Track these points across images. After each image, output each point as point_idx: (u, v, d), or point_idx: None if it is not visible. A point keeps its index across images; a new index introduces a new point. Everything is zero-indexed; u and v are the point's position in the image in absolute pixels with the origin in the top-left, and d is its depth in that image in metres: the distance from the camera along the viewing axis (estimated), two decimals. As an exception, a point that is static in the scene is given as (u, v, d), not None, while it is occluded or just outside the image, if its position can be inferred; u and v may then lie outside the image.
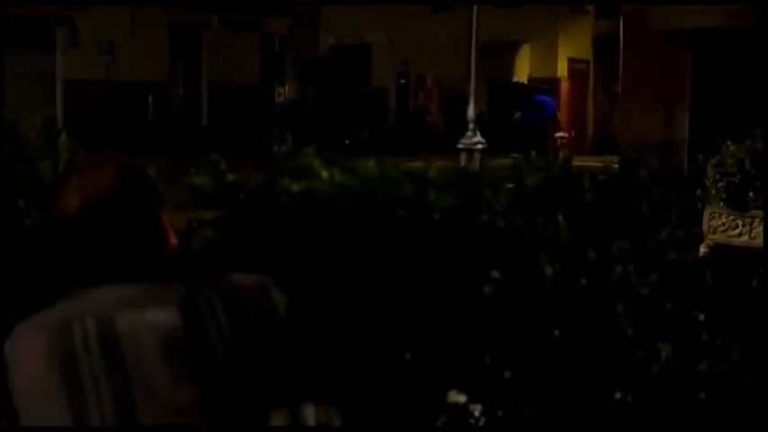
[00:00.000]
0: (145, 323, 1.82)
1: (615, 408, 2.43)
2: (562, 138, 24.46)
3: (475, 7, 16.80)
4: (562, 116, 26.96)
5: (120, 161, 2.08)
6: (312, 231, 2.71)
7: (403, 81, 31.89)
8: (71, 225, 1.92)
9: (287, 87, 34.42)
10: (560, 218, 2.52)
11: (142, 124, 26.69)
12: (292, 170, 2.95)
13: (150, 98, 28.79)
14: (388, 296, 2.71)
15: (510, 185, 2.86)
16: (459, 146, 15.98)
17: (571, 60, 28.97)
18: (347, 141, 23.75)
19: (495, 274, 2.47)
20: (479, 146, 15.89)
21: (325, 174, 2.90)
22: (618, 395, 2.40)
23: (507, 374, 2.46)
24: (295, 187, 2.85)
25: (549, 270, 2.43)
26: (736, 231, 4.60)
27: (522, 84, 28.23)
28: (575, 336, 2.42)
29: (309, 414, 1.87)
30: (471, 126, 16.39)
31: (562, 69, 28.89)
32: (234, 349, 1.83)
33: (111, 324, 1.80)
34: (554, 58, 28.73)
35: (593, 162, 9.41)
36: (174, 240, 2.01)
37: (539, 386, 2.44)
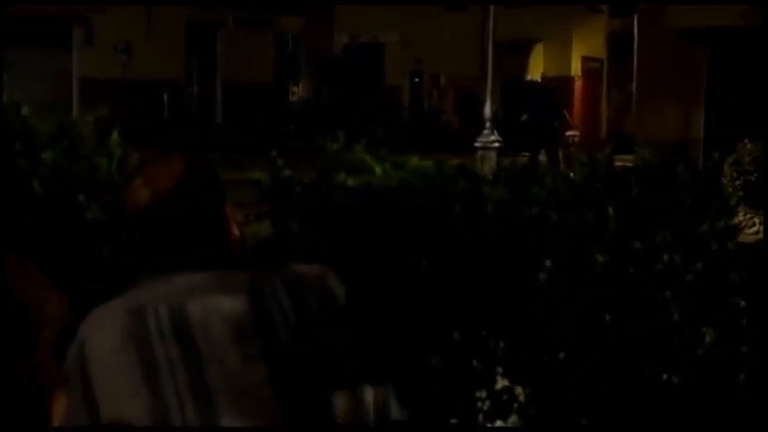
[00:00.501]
0: (214, 309, 1.94)
1: (661, 390, 2.57)
2: (573, 136, 24.50)
3: (492, 7, 16.87)
4: (576, 115, 26.95)
5: (187, 158, 2.22)
6: (370, 224, 2.86)
7: (416, 80, 31.94)
8: (143, 218, 2.06)
9: (301, 86, 34.51)
10: (610, 210, 2.66)
11: (157, 123, 26.82)
12: (347, 165, 3.10)
13: (165, 97, 28.89)
14: (441, 286, 2.85)
15: (556, 180, 3.01)
16: (477, 144, 16.08)
17: (585, 59, 28.97)
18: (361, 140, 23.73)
19: (548, 262, 2.61)
20: (496, 144, 15.98)
21: (379, 169, 3.05)
22: (665, 376, 2.54)
23: (560, 357, 2.59)
24: (350, 182, 3.00)
25: (600, 258, 2.58)
26: (754, 229, 4.69)
27: (536, 83, 28.24)
28: (624, 321, 2.56)
29: (368, 396, 1.99)
30: (488, 125, 16.48)
31: (576, 68, 28.89)
32: (297, 334, 1.96)
33: (183, 310, 1.90)
34: (568, 57, 28.73)
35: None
36: (237, 232, 2.15)
37: (589, 370, 2.58)
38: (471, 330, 2.85)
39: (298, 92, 34.40)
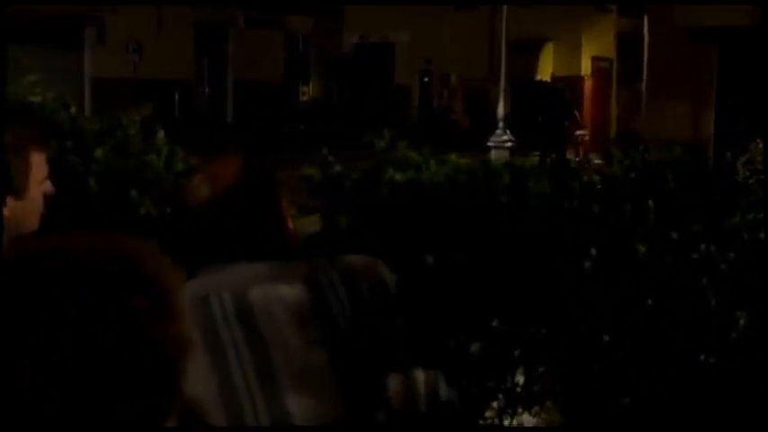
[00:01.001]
0: (275, 297, 2.07)
1: (698, 371, 2.72)
2: (582, 135, 24.57)
3: (505, 7, 16.99)
4: (585, 114, 27.01)
5: (244, 157, 2.36)
6: (419, 217, 3.00)
7: (426, 79, 32.01)
8: (204, 212, 2.20)
9: (311, 86, 34.61)
10: (650, 203, 2.80)
11: (168, 122, 26.84)
12: (395, 162, 3.25)
13: (176, 96, 28.98)
14: (487, 277, 3.00)
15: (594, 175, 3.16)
16: (490, 144, 16.21)
17: (595, 59, 28.99)
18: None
19: (593, 251, 2.76)
20: (509, 144, 16.10)
21: (428, 165, 3.20)
22: (702, 357, 2.69)
23: (604, 340, 2.75)
24: (399, 177, 3.14)
25: (642, 248, 2.73)
26: (767, 228, 4.78)
27: (546, 83, 28.30)
28: (665, 306, 2.71)
29: (420, 378, 2.14)
30: (501, 124, 16.60)
31: (586, 68, 28.92)
32: (353, 320, 2.10)
33: (246, 297, 2.03)
34: (577, 57, 28.75)
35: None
36: (291, 225, 2.29)
37: (630, 353, 2.73)
38: (515, 319, 3.00)
39: (308, 91, 34.48)
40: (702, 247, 2.77)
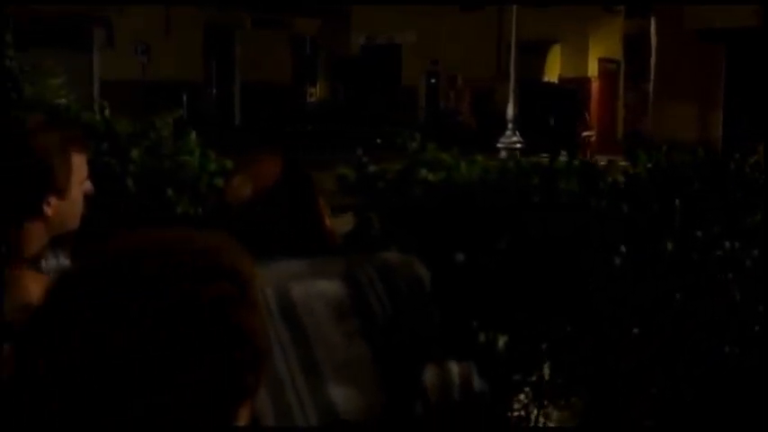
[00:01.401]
0: (315, 292, 2.16)
1: (723, 361, 2.83)
2: (589, 136, 24.64)
3: (515, 8, 17.07)
4: (592, 116, 27.05)
5: (283, 157, 2.47)
6: (454, 216, 3.11)
7: (433, 80, 32.07)
8: (246, 211, 2.31)
9: (317, 87, 34.72)
10: (677, 202, 2.92)
11: (177, 123, 26.91)
12: (427, 162, 3.36)
13: (184, 97, 29.09)
14: (518, 275, 3.11)
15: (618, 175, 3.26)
16: (499, 145, 16.29)
17: (601, 60, 29.04)
18: (378, 141, 23.91)
19: (623, 248, 2.87)
20: (518, 145, 16.19)
21: (461, 165, 3.31)
22: (726, 349, 2.79)
23: (634, 332, 2.86)
24: (432, 177, 3.26)
25: (669, 245, 2.84)
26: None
27: (555, 84, 28.36)
28: (692, 301, 2.82)
29: (454, 370, 2.24)
30: (510, 126, 16.68)
31: (592, 69, 28.96)
32: (390, 314, 2.20)
33: (287, 293, 2.14)
34: (584, 58, 28.80)
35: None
36: (329, 223, 2.40)
37: (659, 346, 2.84)
38: (543, 315, 3.12)
39: (314, 92, 34.58)
40: (727, 244, 2.88)
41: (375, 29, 32.13)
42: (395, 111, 29.67)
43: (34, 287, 2.32)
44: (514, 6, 17.28)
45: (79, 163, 2.71)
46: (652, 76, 23.91)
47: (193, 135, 4.33)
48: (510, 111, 17.02)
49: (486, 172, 3.27)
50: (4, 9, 5.48)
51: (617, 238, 2.95)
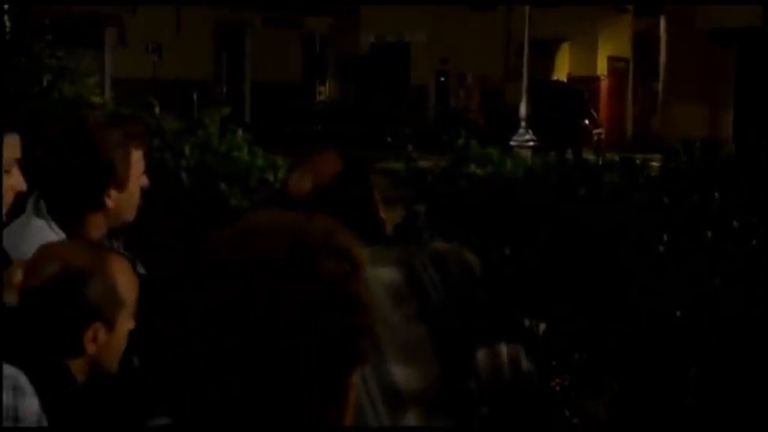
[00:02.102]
0: (374, 278, 2.32)
1: (761, 349, 3.00)
2: (599, 134, 24.76)
3: (527, 8, 17.23)
4: (602, 114, 27.15)
5: (339, 152, 2.63)
6: (503, 208, 3.29)
7: (442, 79, 32.18)
8: (307, 204, 2.47)
9: (327, 85, 34.83)
10: (716, 195, 3.09)
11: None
12: (475, 158, 3.56)
13: (195, 96, 29.19)
14: (563, 262, 3.29)
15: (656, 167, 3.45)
16: (512, 143, 16.43)
17: (611, 59, 29.15)
18: (389, 139, 23.99)
19: (665, 237, 3.05)
20: (531, 143, 16.33)
21: (501, 161, 3.50)
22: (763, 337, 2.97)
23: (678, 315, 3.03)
24: (480, 172, 3.44)
25: (708, 234, 3.02)
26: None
27: (562, 82, 28.46)
28: (730, 287, 2.99)
29: (503, 351, 2.41)
30: (523, 124, 16.83)
31: (602, 68, 29.07)
32: (443, 298, 2.36)
33: None
34: (594, 57, 28.91)
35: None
36: (383, 215, 2.57)
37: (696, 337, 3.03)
38: (587, 304, 3.30)
39: (324, 91, 34.67)
40: (763, 231, 3.05)
41: (385, 27, 32.23)
42: (405, 109, 29.79)
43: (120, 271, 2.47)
44: (527, 7, 17.41)
45: (138, 158, 2.87)
46: (661, 75, 24.01)
47: (240, 132, 4.51)
48: (523, 109, 17.15)
49: (531, 167, 3.45)
50: (39, 10, 5.64)
51: (659, 228, 3.13)
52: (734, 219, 3.01)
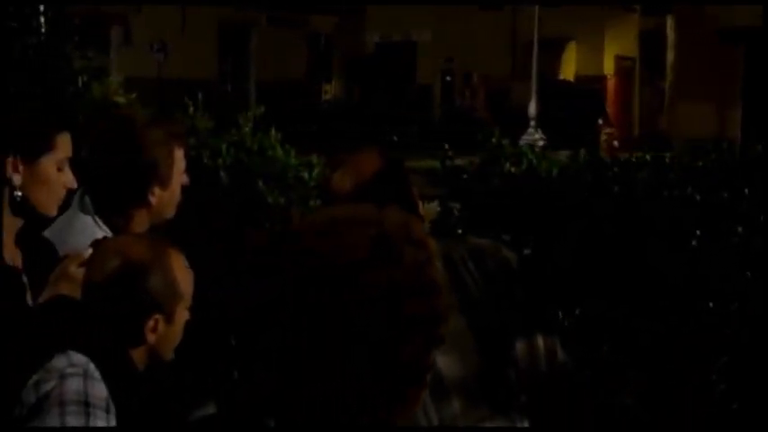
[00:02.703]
0: None
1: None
2: (609, 134, 24.81)
3: (537, 7, 17.29)
4: (609, 113, 27.19)
5: (378, 151, 2.68)
6: (540, 204, 3.35)
7: (448, 78, 32.25)
8: (349, 201, 2.52)
9: (333, 85, 34.90)
10: (746, 191, 3.15)
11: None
12: (510, 156, 3.62)
13: (200, 95, 29.15)
14: (596, 255, 3.35)
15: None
16: (522, 142, 16.47)
17: (617, 58, 29.19)
18: (395, 138, 24.06)
19: (698, 232, 3.11)
20: (541, 143, 16.40)
21: (534, 159, 3.56)
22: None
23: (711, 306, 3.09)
24: (514, 170, 3.50)
25: (740, 229, 3.08)
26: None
27: (569, 81, 28.52)
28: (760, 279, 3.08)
29: (540, 342, 2.47)
30: (533, 123, 16.90)
31: (608, 67, 29.12)
32: (482, 291, 2.42)
33: None
34: (600, 56, 28.95)
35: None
36: (422, 212, 2.63)
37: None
38: (617, 294, 3.35)
39: (329, 90, 34.74)
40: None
41: (390, 27, 32.31)
42: (410, 109, 29.87)
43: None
44: (536, 6, 17.48)
45: (180, 156, 2.94)
46: (668, 74, 24.08)
47: (273, 131, 4.56)
48: (532, 108, 17.22)
49: (565, 165, 3.51)
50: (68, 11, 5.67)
51: (691, 223, 3.19)
52: (762, 214, 3.08)
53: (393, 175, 2.57)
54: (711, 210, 3.18)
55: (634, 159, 3.50)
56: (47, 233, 2.79)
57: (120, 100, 6.51)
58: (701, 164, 3.62)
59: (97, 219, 2.86)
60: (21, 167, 2.52)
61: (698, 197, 3.19)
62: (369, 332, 1.32)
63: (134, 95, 6.61)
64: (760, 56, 20.13)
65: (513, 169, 3.51)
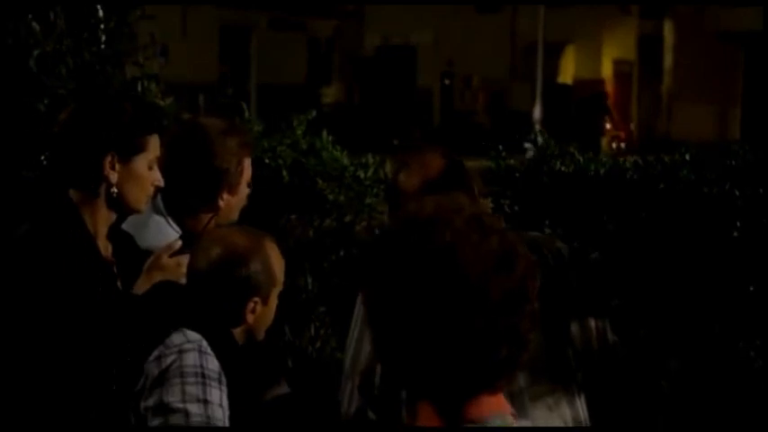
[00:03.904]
0: None
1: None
2: (616, 137, 24.99)
3: (542, 9, 17.47)
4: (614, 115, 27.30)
5: (440, 151, 2.93)
6: (586, 204, 3.64)
7: (448, 81, 32.38)
8: (415, 197, 2.76)
9: (333, 88, 35.02)
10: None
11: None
12: (557, 155, 3.90)
13: (201, 98, 29.31)
14: (642, 250, 3.64)
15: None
16: (526, 146, 16.65)
17: (615, 61, 29.37)
18: (395, 141, 24.19)
19: (738, 223, 3.41)
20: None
21: (581, 159, 3.84)
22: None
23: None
24: (564, 169, 3.78)
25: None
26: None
27: (568, 86, 28.69)
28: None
29: (591, 325, 2.74)
30: (537, 127, 17.09)
31: (606, 70, 29.31)
32: (541, 279, 2.68)
33: None
34: (598, 59, 29.13)
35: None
36: (481, 206, 2.87)
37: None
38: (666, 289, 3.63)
39: (330, 93, 34.84)
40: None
41: (390, 30, 32.41)
42: (411, 111, 30.00)
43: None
44: (542, 8, 17.63)
45: (248, 164, 3.16)
46: (666, 77, 24.29)
47: (325, 133, 4.82)
48: (537, 111, 17.39)
49: (614, 164, 3.80)
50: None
51: (733, 219, 3.47)
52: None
53: (456, 173, 2.82)
54: (750, 204, 3.47)
55: (667, 160, 3.78)
56: (124, 227, 3.03)
57: (161, 103, 6.72)
58: (733, 162, 3.89)
59: (169, 219, 3.05)
60: (117, 166, 2.73)
61: (737, 192, 3.47)
62: (478, 309, 1.55)
63: (172, 99, 6.82)
64: (760, 58, 20.35)
65: (562, 168, 3.79)
